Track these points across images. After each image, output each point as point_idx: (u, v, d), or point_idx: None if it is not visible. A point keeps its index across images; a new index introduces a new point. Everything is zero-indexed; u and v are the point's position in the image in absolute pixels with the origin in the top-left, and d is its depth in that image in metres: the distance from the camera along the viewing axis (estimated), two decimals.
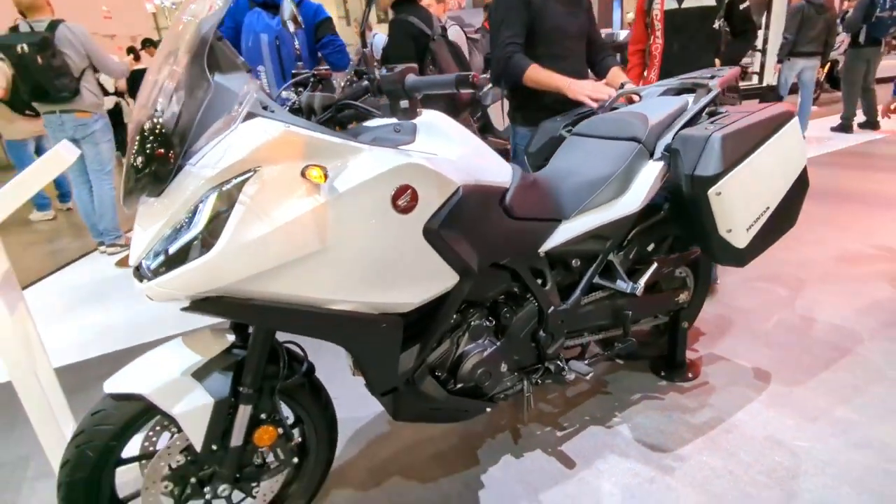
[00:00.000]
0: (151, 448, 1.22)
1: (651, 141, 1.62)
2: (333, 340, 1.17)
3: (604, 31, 4.92)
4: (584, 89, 1.90)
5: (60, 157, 1.35)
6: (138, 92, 1.04)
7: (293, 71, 1.32)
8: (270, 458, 1.31)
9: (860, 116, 6.62)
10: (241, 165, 0.96)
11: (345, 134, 1.11)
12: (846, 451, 1.59)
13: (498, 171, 1.35)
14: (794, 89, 6.25)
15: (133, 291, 1.07)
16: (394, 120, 1.13)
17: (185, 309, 1.04)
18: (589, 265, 1.62)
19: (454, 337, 1.44)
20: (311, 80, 1.31)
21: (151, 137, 0.94)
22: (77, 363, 2.47)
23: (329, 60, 2.44)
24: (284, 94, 1.29)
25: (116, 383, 1.13)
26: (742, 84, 6.73)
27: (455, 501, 1.53)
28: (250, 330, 1.19)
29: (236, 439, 1.21)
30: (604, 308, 1.69)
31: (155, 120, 0.94)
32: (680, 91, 1.88)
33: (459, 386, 1.46)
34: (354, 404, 1.93)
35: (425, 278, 1.20)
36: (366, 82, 1.19)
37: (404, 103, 1.03)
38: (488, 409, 1.54)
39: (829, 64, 9.10)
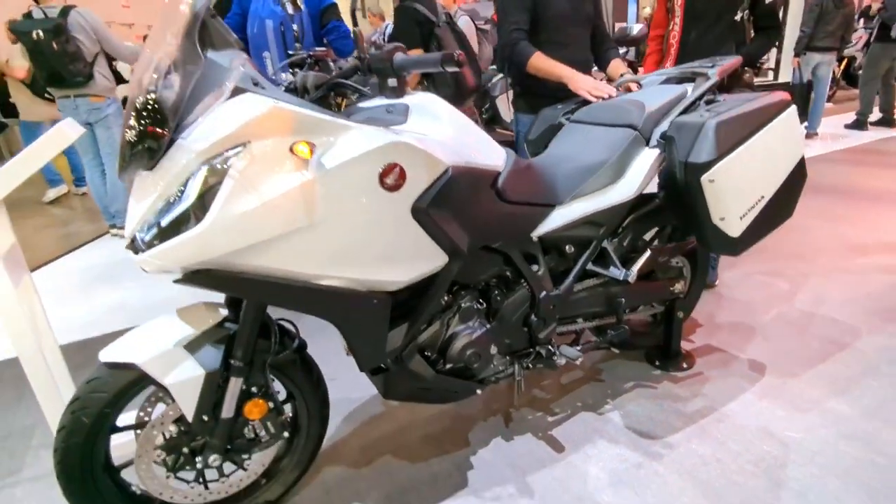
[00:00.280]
0: (147, 418, 1.26)
1: (647, 128, 1.62)
2: (322, 316, 1.19)
3: (618, 26, 4.87)
4: (585, 84, 1.90)
5: (64, 134, 1.39)
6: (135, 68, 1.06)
7: (289, 52, 1.35)
8: (262, 432, 1.34)
9: (876, 114, 6.51)
10: (230, 140, 0.98)
11: (336, 113, 1.13)
12: (836, 443, 1.59)
13: (490, 154, 1.36)
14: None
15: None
16: (385, 100, 1.14)
17: (177, 281, 1.07)
18: (583, 251, 1.62)
19: (444, 318, 1.45)
20: (308, 61, 1.33)
21: (144, 112, 0.97)
22: (84, 340, 2.53)
23: (334, 46, 2.46)
24: (284, 75, 1.31)
25: (111, 353, 1.16)
26: (757, 80, 6.63)
27: (444, 482, 1.55)
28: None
29: (227, 411, 1.24)
30: (597, 295, 1.70)
31: (147, 95, 0.97)
32: (681, 80, 1.87)
33: (449, 366, 1.48)
34: (350, 385, 1.96)
35: (414, 257, 1.21)
36: (356, 61, 1.21)
37: (392, 81, 1.05)
38: (479, 392, 1.55)
39: (845, 60, 8.94)
